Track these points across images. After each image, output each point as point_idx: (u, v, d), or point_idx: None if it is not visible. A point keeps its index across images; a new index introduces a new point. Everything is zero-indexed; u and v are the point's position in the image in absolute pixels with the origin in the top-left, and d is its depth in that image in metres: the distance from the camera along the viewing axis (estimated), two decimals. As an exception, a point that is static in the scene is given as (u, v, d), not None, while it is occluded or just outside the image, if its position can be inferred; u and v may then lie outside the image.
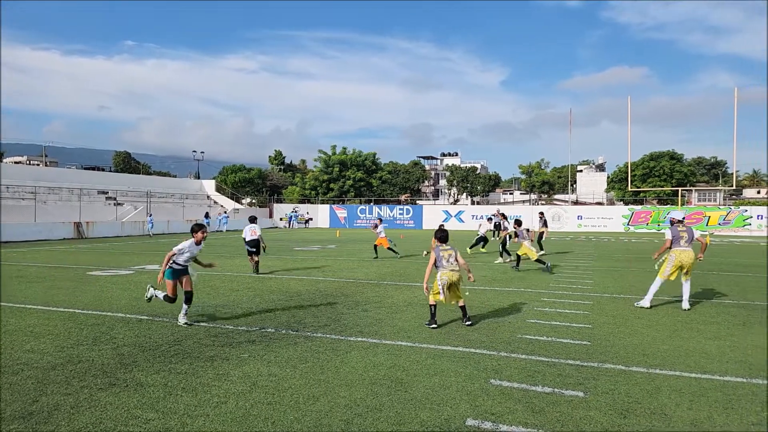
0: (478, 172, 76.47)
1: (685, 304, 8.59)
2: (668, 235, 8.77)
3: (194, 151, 61.45)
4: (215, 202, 48.30)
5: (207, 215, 38.60)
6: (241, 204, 51.78)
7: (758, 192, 73.01)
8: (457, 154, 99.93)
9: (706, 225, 38.07)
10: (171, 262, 7.14)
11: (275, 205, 51.14)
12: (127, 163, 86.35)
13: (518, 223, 14.69)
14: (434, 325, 7.04)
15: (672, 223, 8.98)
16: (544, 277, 12.61)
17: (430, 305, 7.15)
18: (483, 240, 19.06)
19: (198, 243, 7.33)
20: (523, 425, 3.98)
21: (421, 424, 3.99)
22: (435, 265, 7.12)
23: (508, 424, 3.99)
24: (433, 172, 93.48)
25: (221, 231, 37.61)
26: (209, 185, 51.97)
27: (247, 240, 13.35)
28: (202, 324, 7.32)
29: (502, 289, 10.58)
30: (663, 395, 4.63)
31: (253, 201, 56.00)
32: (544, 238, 19.91)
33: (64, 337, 6.55)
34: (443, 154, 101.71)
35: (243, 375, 5.09)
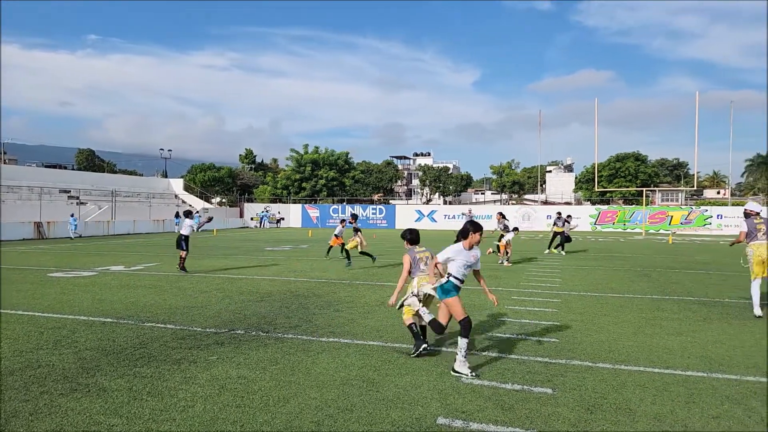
0: (450, 172, 77.13)
1: (757, 311, 7.76)
2: (743, 228, 7.96)
3: (161, 149, 60.20)
4: (183, 202, 47.33)
5: (177, 215, 37.77)
6: (211, 203, 50.89)
7: (718, 193, 75.80)
8: (429, 154, 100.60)
9: (669, 224, 39.32)
10: (448, 276, 5.41)
11: (246, 204, 50.44)
12: (91, 161, 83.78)
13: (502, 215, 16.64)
14: (425, 346, 5.66)
15: (747, 215, 8.02)
16: (514, 276, 12.79)
17: (410, 324, 5.81)
18: (567, 239, 19.64)
19: (471, 248, 5.47)
20: (493, 423, 4.01)
21: (392, 423, 3.98)
22: (409, 272, 5.90)
23: (479, 422, 4.02)
24: (405, 172, 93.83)
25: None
26: (177, 184, 50.89)
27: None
28: (168, 326, 7.14)
29: (474, 288, 10.67)
30: (628, 390, 4.74)
31: (223, 200, 55.11)
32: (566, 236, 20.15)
33: (23, 341, 6.29)
34: (416, 154, 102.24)
35: (211, 378, 4.99)
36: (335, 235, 16.21)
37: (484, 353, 5.87)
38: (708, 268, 14.74)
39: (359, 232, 15.29)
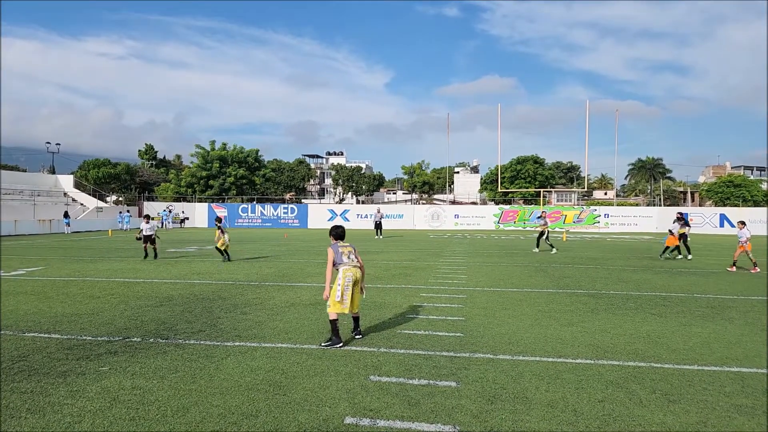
0: (363, 171, 77.69)
1: None
2: None
3: (48, 143, 54.61)
4: (74, 200, 43.42)
5: (66, 215, 34.54)
6: (106, 202, 47.12)
7: (605, 194, 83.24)
8: (342, 154, 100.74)
9: (563, 223, 42.53)
10: None
11: (146, 203, 47.24)
12: (-38, 154, 74.20)
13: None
14: (339, 344, 6.07)
15: None
16: (424, 273, 13.15)
17: (332, 320, 6.13)
18: None
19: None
20: (399, 419, 4.08)
21: (298, 426, 3.91)
22: (334, 264, 6.30)
23: (386, 419, 4.06)
24: (318, 171, 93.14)
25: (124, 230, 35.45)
26: (67, 181, 46.46)
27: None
28: (53, 336, 6.49)
29: (383, 287, 10.82)
30: (525, 380, 5.04)
31: (120, 199, 51.25)
32: (688, 239, 19.09)
33: None
34: (329, 153, 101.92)
35: (102, 390, 4.60)
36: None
37: (392, 350, 5.96)
38: (596, 264, 16.11)
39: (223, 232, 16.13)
